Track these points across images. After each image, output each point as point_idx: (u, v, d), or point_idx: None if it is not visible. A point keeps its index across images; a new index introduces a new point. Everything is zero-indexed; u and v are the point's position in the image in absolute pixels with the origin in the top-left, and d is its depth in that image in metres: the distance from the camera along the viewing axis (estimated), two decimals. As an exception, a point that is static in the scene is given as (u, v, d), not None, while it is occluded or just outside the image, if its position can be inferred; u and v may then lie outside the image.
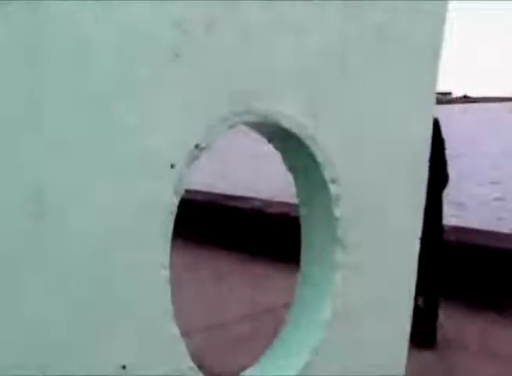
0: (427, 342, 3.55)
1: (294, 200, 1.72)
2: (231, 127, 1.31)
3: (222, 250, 5.47)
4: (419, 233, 1.77)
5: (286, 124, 1.39)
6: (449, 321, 4.02)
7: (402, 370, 1.78)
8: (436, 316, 3.65)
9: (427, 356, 3.44)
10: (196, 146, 1.24)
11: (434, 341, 3.62)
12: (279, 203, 6.24)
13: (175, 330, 1.28)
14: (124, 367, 1.20)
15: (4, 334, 1.06)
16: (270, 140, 1.60)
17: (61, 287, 1.11)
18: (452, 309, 4.18)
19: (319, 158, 1.46)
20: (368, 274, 1.62)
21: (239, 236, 5.97)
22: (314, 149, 1.45)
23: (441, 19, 1.68)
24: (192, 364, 1.33)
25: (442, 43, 1.71)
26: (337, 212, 1.52)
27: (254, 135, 1.59)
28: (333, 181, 1.49)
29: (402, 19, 1.59)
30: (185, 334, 1.34)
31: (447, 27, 1.71)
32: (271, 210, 6.09)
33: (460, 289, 4.39)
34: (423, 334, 3.38)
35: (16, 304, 1.07)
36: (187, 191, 1.31)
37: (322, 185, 1.50)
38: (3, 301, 1.06)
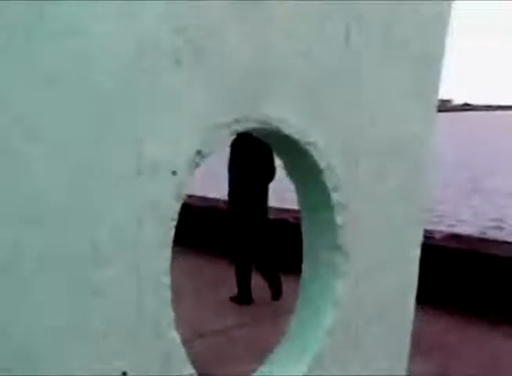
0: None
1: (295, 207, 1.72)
2: (232, 133, 1.31)
3: (222, 256, 5.46)
4: (420, 241, 1.77)
5: (287, 130, 1.39)
6: (450, 328, 4.03)
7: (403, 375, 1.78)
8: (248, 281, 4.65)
9: (421, 362, 3.44)
10: (198, 153, 1.24)
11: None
12: (279, 209, 6.21)
13: (176, 337, 1.27)
14: (124, 374, 1.20)
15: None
16: (271, 147, 1.60)
17: (63, 294, 1.11)
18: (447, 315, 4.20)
19: (321, 165, 1.46)
20: (369, 281, 1.62)
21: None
22: (315, 156, 1.44)
23: (445, 23, 1.69)
24: (192, 371, 1.33)
25: (445, 47, 1.71)
26: (339, 220, 1.51)
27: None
28: (335, 188, 1.49)
29: (406, 23, 1.59)
30: (185, 340, 1.34)
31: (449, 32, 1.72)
32: (271, 216, 6.07)
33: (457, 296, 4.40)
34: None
35: (22, 307, 1.07)
36: (187, 196, 1.31)
37: (324, 192, 1.49)
38: None
